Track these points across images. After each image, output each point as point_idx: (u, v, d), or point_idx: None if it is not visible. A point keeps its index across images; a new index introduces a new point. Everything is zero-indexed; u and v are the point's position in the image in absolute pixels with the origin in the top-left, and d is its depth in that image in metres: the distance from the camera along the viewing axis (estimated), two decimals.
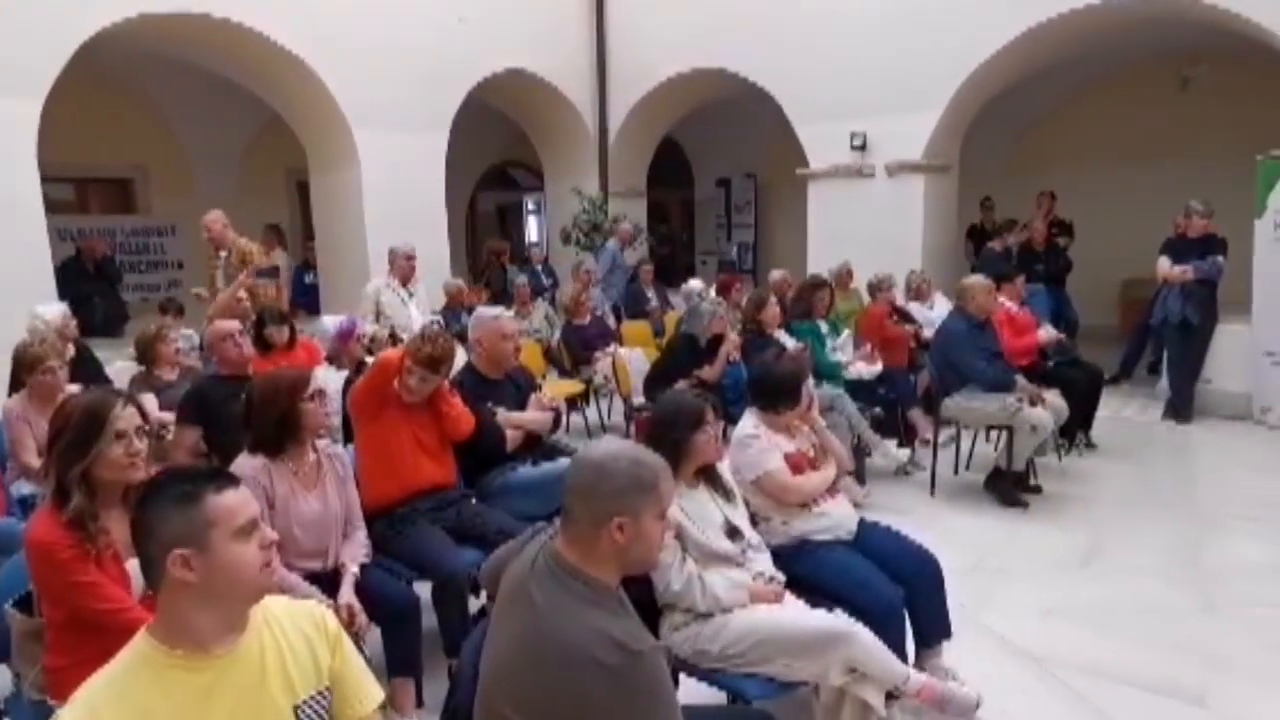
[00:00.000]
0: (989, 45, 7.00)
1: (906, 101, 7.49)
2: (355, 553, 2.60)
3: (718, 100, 10.04)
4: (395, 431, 2.94)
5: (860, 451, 4.82)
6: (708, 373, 5.02)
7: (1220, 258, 5.89)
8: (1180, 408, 6.10)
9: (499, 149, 12.46)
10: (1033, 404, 4.47)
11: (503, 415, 3.39)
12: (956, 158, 8.26)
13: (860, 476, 4.79)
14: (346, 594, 2.42)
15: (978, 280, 4.76)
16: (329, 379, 3.89)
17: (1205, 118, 8.29)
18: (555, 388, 6.12)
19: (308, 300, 8.58)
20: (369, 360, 4.12)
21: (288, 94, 7.83)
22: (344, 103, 7.51)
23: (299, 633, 1.43)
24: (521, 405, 3.51)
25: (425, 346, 2.91)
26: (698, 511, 2.33)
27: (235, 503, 1.33)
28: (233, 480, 1.38)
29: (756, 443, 2.75)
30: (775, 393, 2.80)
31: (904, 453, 4.91)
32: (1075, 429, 5.35)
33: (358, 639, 2.49)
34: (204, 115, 9.47)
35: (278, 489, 2.47)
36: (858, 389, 5.16)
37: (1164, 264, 6.04)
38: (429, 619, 2.74)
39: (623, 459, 1.53)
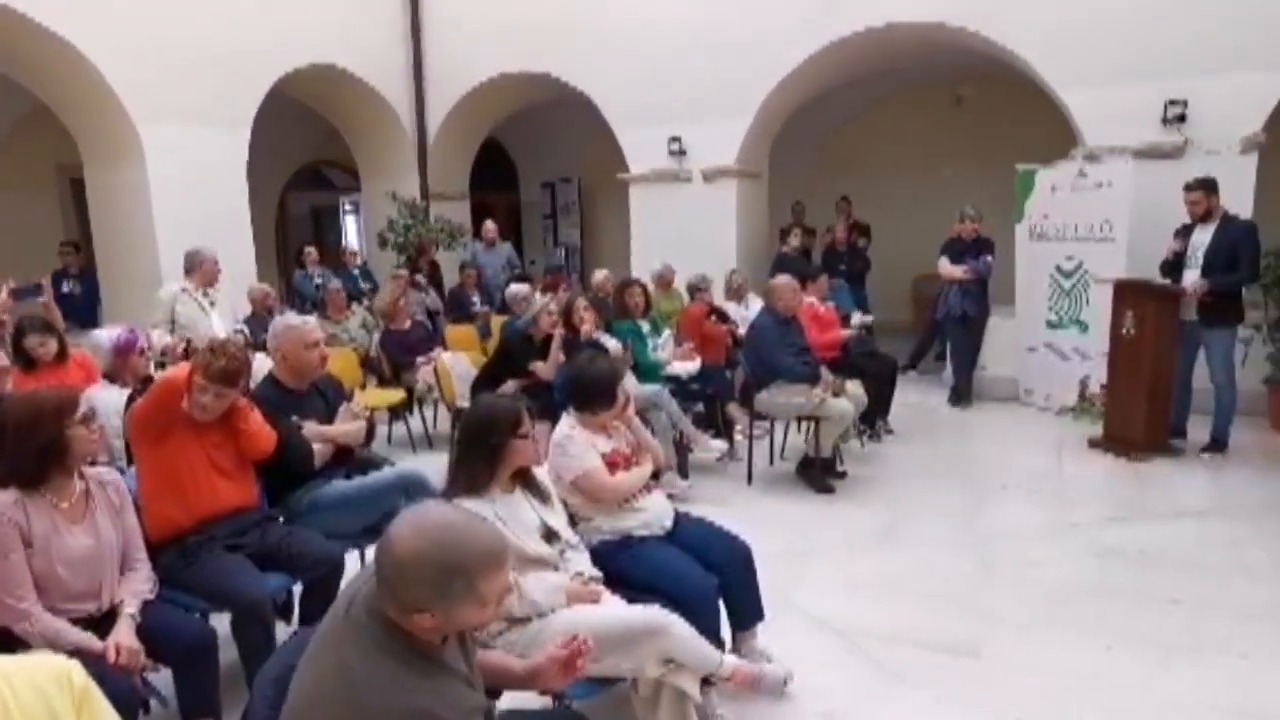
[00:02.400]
0: (792, 60, 7.47)
1: (720, 109, 7.83)
2: (136, 589, 2.36)
3: (541, 103, 10.03)
4: (184, 453, 2.69)
5: (683, 446, 4.99)
6: (542, 368, 5.02)
7: (989, 257, 6.61)
8: (962, 393, 6.79)
9: (311, 148, 11.77)
10: (836, 395, 4.81)
11: (309, 429, 3.21)
12: (767, 164, 8.75)
13: (683, 470, 4.96)
14: (118, 634, 2.19)
15: (783, 281, 5.06)
16: (108, 398, 3.51)
17: (975, 132, 9.29)
18: (374, 397, 5.88)
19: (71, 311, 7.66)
20: (158, 376, 3.75)
21: (54, 81, 6.98)
22: (123, 93, 6.79)
23: (34, 691, 1.26)
24: (331, 417, 3.33)
25: (216, 360, 2.67)
26: (514, 516, 2.31)
27: None
28: None
29: (574, 444, 2.77)
30: (590, 394, 2.84)
31: (722, 445, 5.13)
32: (875, 416, 5.81)
33: (145, 683, 2.28)
34: None
35: (36, 526, 2.19)
36: (679, 386, 5.34)
37: (944, 264, 6.70)
38: (230, 653, 2.54)
39: (428, 565, 1.33)
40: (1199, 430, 5.35)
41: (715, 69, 7.78)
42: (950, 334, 6.96)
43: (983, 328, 6.80)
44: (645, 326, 5.61)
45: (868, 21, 7.03)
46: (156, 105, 6.96)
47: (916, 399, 6.96)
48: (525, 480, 2.43)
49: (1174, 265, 5.27)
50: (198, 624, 2.45)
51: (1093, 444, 5.50)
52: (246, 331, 5.84)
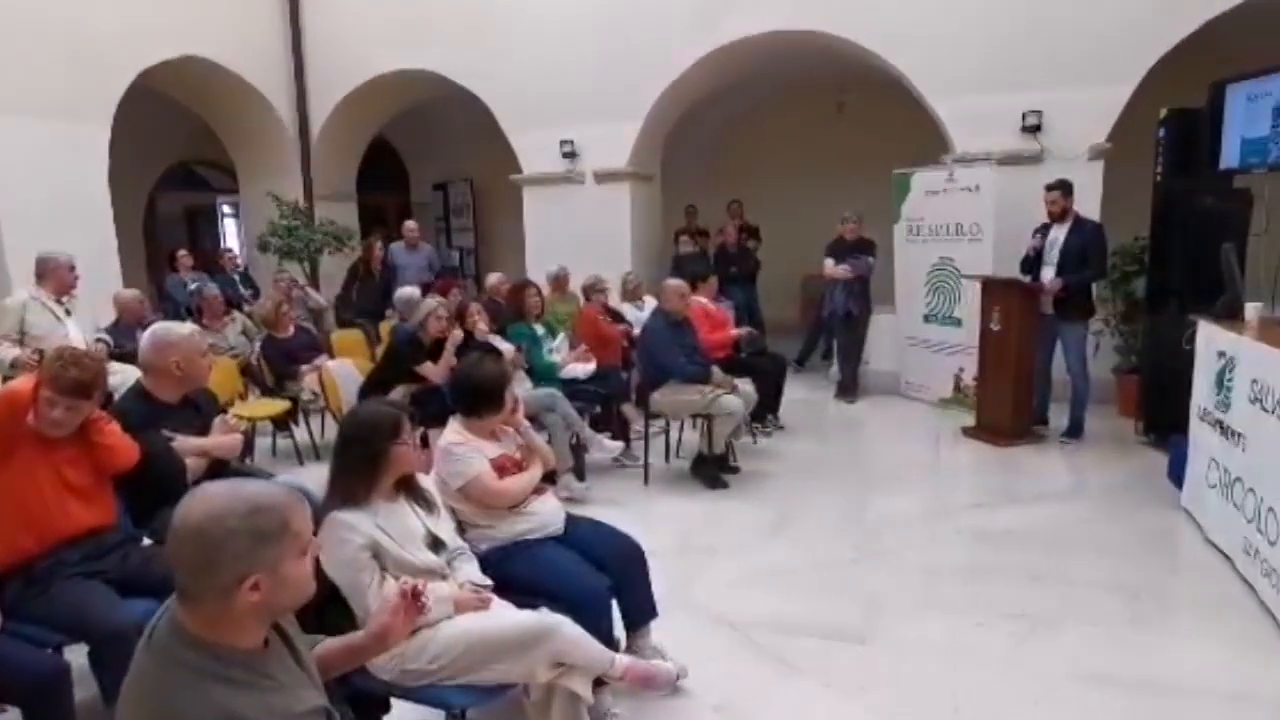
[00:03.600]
0: (680, 64, 7.58)
1: (611, 112, 7.87)
2: None
3: (431, 102, 9.82)
4: (31, 472, 2.48)
5: (579, 448, 4.99)
6: (431, 370, 4.91)
7: (871, 258, 6.91)
8: (847, 388, 7.07)
9: (182, 146, 11.11)
10: (728, 393, 4.92)
11: (182, 442, 3.03)
12: (659, 166, 8.85)
13: (580, 472, 4.96)
14: None
15: (672, 283, 5.15)
16: None
17: (856, 137, 9.67)
18: (255, 407, 5.62)
19: None
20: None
21: None
22: None
23: None
24: (205, 430, 3.15)
25: (67, 370, 2.47)
26: (397, 526, 2.25)
27: None
28: None
29: (461, 449, 2.72)
30: (477, 398, 2.80)
31: (619, 446, 5.15)
32: (766, 412, 5.99)
33: None
34: None
35: None
36: (575, 388, 5.33)
37: (829, 264, 6.96)
38: (89, 688, 2.37)
39: (230, 516, 1.25)
40: (1059, 417, 5.76)
41: (605, 72, 7.82)
42: (835, 331, 7.24)
43: (865, 325, 7.11)
44: (540, 329, 5.58)
45: (751, 29, 7.22)
46: (2, 97, 6.41)
47: (805, 394, 7.20)
48: (409, 488, 2.37)
49: (1033, 262, 5.65)
50: (48, 658, 2.26)
51: (966, 433, 5.84)
52: (109, 340, 5.46)
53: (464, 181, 12.08)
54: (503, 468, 2.76)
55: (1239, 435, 3.69)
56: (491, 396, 2.80)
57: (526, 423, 3.04)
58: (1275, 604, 3.20)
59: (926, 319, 6.82)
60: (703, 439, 5.05)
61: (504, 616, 2.26)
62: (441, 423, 2.97)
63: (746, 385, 5.22)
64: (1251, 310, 4.04)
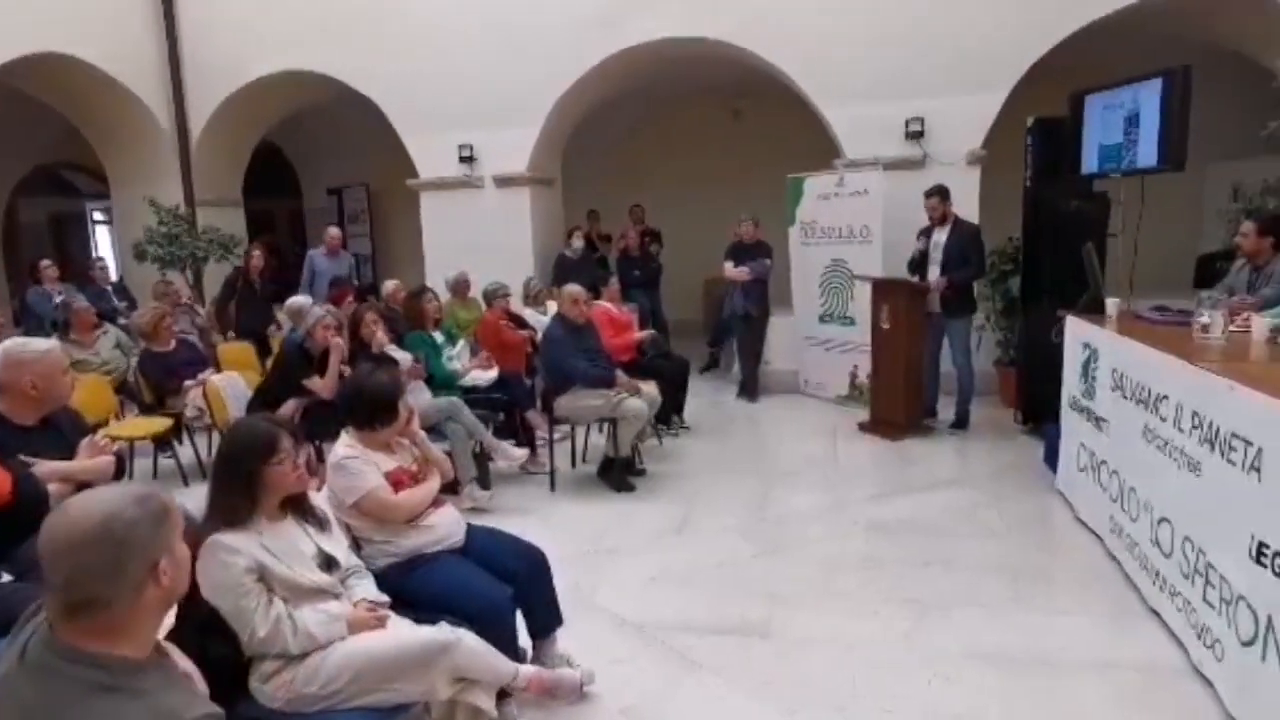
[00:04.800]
0: (577, 69, 7.59)
1: (509, 116, 7.79)
2: None
3: (322, 104, 9.48)
4: None
5: (483, 457, 4.91)
6: (319, 384, 4.74)
7: (768, 260, 7.09)
8: (749, 387, 7.23)
9: (46, 148, 10.38)
10: (632, 396, 4.94)
11: (45, 468, 2.81)
12: (560, 171, 8.82)
13: (484, 481, 4.88)
14: None
15: (568, 288, 5.14)
16: None
17: (753, 142, 9.92)
18: (133, 426, 5.30)
19: None
20: None
21: None
22: None
23: None
24: (70, 453, 2.94)
25: None
26: (285, 547, 2.15)
27: None
28: None
29: (354, 463, 2.64)
30: (370, 410, 2.71)
31: (524, 453, 5.10)
32: (671, 414, 6.06)
33: None
34: None
35: None
36: (478, 396, 5.25)
37: (728, 266, 7.10)
38: None
39: (125, 508, 1.26)
40: (947, 410, 6.06)
41: (503, 76, 7.74)
42: (736, 332, 7.38)
43: (765, 325, 7.28)
44: (439, 336, 5.47)
45: (647, 35, 7.30)
46: None
47: (709, 395, 7.32)
48: (298, 506, 2.27)
49: (919, 263, 5.93)
50: None
51: (862, 428, 6.07)
52: None
53: (360, 186, 11.72)
54: (399, 481, 2.69)
55: (1103, 421, 3.97)
56: (385, 408, 2.72)
57: (423, 434, 2.97)
58: (1138, 576, 3.45)
59: (822, 319, 7.05)
60: (608, 443, 5.06)
61: (401, 634, 2.19)
62: (337, 436, 2.87)
63: (650, 388, 5.26)
64: (1111, 305, 4.35)
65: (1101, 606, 3.38)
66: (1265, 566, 2.38)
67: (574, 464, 5.44)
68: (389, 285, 6.72)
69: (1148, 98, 4.66)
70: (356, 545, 2.61)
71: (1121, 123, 4.90)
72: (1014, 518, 4.35)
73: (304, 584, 2.13)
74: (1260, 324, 3.35)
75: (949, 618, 3.31)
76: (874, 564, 3.88)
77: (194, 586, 1.82)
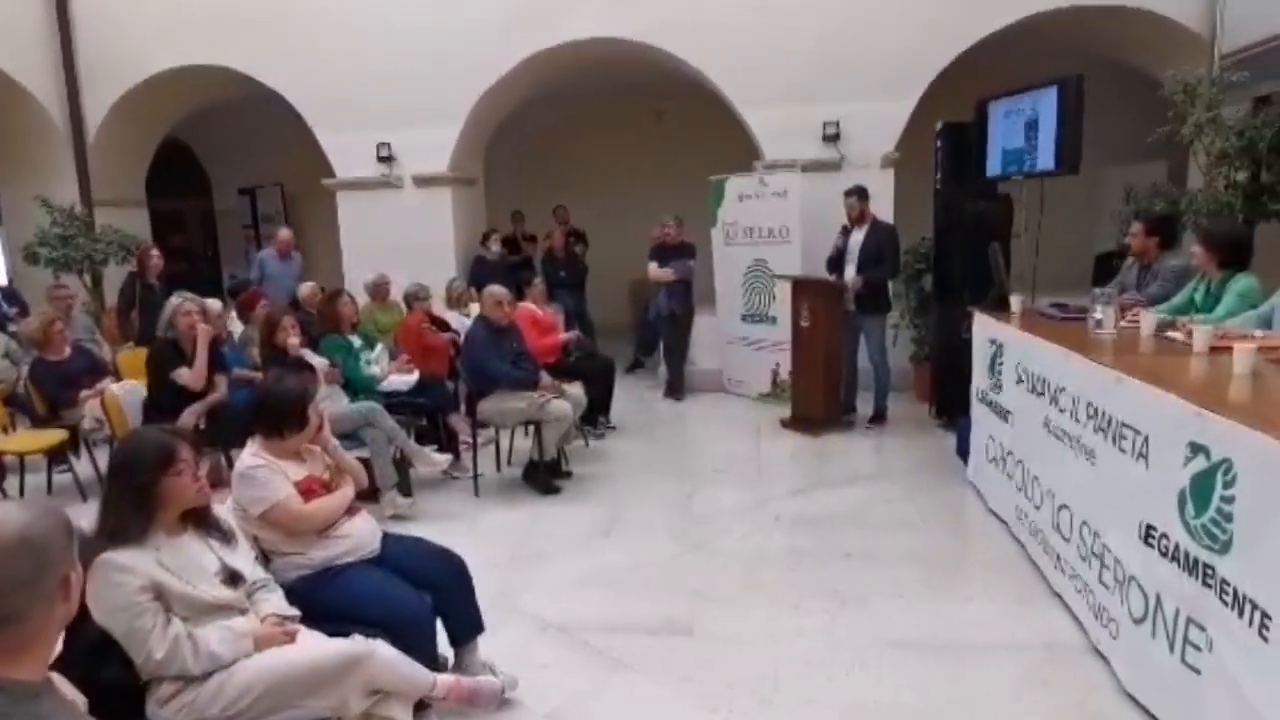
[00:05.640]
0: (498, 68, 7.49)
1: (429, 115, 7.64)
2: None
3: (233, 101, 9.10)
4: None
5: (404, 463, 4.80)
6: (186, 375, 4.57)
7: (692, 261, 7.15)
8: (675, 386, 7.28)
9: None
10: (556, 397, 4.91)
11: None
12: (481, 171, 8.70)
13: (405, 488, 4.77)
14: None
15: (490, 290, 5.07)
16: None
17: (676, 143, 9.98)
18: (24, 440, 4.99)
19: None
20: None
21: None
22: None
23: None
24: None
25: None
26: (184, 563, 2.05)
27: None
28: None
29: (261, 473, 2.54)
30: (278, 417, 2.61)
31: (447, 458, 5.01)
32: (597, 414, 6.04)
33: None
34: None
35: None
36: (398, 400, 5.13)
37: (652, 267, 7.14)
38: None
39: (38, 519, 1.21)
40: (865, 405, 6.22)
41: (422, 74, 7.58)
42: (662, 332, 7.43)
43: (689, 325, 7.34)
44: (356, 340, 5.31)
45: (569, 35, 7.27)
46: None
47: (635, 395, 7.34)
48: (200, 520, 2.17)
49: (837, 262, 6.07)
50: None
51: (784, 424, 6.18)
52: None
53: (274, 186, 11.32)
54: (309, 490, 2.60)
55: (1009, 413, 4.15)
56: (293, 415, 2.62)
57: (335, 441, 2.88)
58: (1042, 560, 3.61)
59: (744, 318, 7.15)
60: (534, 446, 5.01)
61: (310, 648, 2.12)
62: (244, 443, 2.76)
63: (575, 389, 5.23)
64: (1015, 302, 4.54)
65: (1009, 592, 3.53)
66: (1152, 547, 2.52)
67: (499, 468, 5.37)
68: (304, 288, 6.50)
69: (1045, 105, 4.89)
70: (265, 558, 2.52)
71: (1023, 128, 5.13)
72: (929, 509, 4.50)
73: (206, 600, 2.04)
74: (1149, 319, 3.54)
75: (867, 608, 3.40)
76: (796, 558, 3.95)
77: (83, 608, 1.72)
